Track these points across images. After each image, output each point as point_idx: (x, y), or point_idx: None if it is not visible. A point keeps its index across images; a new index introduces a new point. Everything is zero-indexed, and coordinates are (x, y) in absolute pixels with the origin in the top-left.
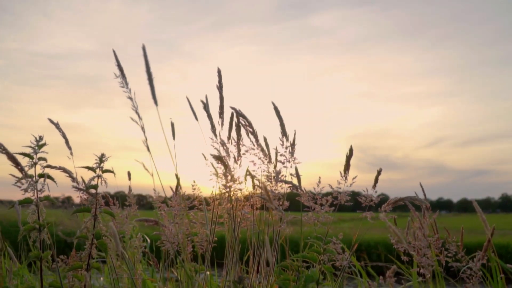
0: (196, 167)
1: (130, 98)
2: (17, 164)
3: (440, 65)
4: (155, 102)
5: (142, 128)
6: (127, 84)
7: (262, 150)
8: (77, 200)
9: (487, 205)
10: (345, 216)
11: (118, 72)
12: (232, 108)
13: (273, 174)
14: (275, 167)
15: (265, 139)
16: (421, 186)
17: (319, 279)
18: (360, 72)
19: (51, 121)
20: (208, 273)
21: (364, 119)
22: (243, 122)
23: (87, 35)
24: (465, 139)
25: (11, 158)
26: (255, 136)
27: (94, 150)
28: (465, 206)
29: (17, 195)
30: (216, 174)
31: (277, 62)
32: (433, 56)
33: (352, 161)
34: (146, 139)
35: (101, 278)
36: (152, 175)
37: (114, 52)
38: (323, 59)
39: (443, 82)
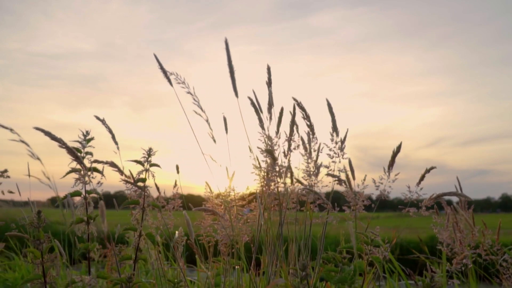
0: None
1: (190, 93)
2: (76, 157)
3: (440, 65)
4: (236, 94)
5: (207, 120)
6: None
7: (309, 144)
8: (76, 199)
9: (487, 205)
10: (347, 216)
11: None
12: (294, 99)
13: (313, 170)
14: (315, 162)
15: (311, 132)
16: (458, 181)
17: (366, 269)
18: (360, 72)
19: (97, 118)
20: (237, 267)
21: (364, 119)
22: (301, 115)
23: (87, 35)
24: (465, 139)
25: (71, 152)
26: (312, 129)
27: (95, 150)
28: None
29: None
30: (262, 169)
31: (277, 62)
32: (433, 56)
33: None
34: (212, 130)
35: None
36: (220, 165)
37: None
38: (323, 59)
39: (443, 82)
